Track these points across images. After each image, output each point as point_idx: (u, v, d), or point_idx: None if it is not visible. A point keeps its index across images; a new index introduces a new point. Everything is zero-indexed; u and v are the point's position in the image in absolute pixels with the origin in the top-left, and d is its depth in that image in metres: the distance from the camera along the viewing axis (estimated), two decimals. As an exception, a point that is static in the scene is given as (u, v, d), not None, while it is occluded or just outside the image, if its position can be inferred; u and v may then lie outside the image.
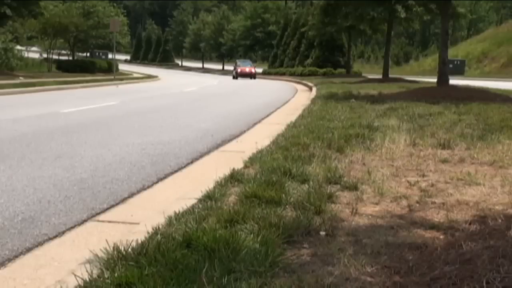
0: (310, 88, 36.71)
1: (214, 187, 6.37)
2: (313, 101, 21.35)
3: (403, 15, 42.19)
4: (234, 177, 6.93)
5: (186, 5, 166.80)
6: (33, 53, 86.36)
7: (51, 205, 6.51)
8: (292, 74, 65.95)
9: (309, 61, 68.21)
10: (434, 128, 11.98)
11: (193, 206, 5.60)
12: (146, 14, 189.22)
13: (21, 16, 48.43)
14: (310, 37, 66.36)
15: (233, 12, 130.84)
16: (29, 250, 5.12)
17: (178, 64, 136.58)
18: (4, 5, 43.64)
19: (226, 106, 22.76)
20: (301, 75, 62.74)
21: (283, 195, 5.82)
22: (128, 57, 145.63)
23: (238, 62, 79.62)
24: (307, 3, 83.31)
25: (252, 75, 71.71)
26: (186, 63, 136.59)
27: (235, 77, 71.83)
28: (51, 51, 68.84)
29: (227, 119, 16.69)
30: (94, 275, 3.90)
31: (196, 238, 4.37)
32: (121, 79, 51.44)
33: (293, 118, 14.27)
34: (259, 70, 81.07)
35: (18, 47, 67.72)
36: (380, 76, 46.06)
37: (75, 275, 3.88)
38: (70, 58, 74.31)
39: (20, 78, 41.75)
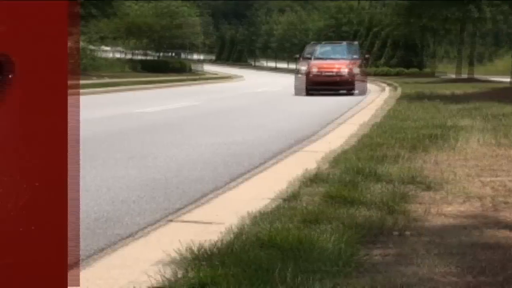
0: (383, 89, 36.45)
1: (287, 187, 6.38)
2: (386, 101, 21.22)
3: (476, 15, 41.74)
4: (307, 177, 6.92)
5: (260, 6, 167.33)
6: (118, 53, 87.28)
7: (124, 205, 6.60)
8: (365, 74, 65.41)
9: (381, 61, 67.79)
10: (509, 128, 11.79)
11: (266, 206, 5.62)
12: (224, 14, 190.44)
13: (106, 16, 49.29)
14: (383, 37, 65.99)
15: (306, 12, 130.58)
16: (101, 250, 5.19)
17: (251, 64, 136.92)
18: (90, 5, 44.49)
19: (299, 107, 22.75)
20: (374, 75, 62.33)
21: (357, 195, 5.81)
22: (213, 57, 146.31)
23: (308, 48, 36.78)
24: (380, 3, 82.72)
25: (344, 82, 31.14)
26: (259, 63, 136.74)
27: (296, 89, 31.94)
28: (136, 51, 69.73)
29: (300, 120, 16.69)
30: (168, 276, 3.94)
31: (269, 238, 4.39)
32: (202, 79, 52.83)
33: (366, 118, 14.21)
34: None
35: (103, 47, 68.74)
36: (453, 76, 45.67)
37: (148, 275, 3.93)
38: (155, 58, 74.97)
39: (105, 78, 42.71)
